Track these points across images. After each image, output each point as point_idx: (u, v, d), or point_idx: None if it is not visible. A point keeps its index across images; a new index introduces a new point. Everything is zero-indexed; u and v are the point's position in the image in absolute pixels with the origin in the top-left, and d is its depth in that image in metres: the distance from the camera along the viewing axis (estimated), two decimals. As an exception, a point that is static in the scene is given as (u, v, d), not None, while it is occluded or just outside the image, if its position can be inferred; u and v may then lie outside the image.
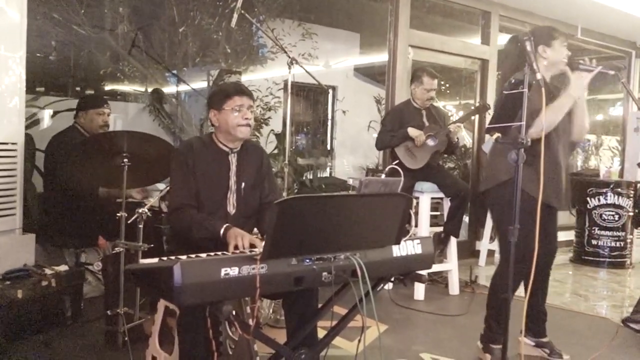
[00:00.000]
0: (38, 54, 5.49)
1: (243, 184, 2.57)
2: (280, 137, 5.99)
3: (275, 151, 5.94)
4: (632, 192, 5.86)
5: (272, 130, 6.28)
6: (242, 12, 3.53)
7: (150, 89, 6.09)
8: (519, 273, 2.76)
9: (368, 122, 7.34)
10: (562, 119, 2.84)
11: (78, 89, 6.07)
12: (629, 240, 5.91)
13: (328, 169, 8.23)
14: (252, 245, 2.22)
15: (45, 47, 5.60)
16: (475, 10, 6.07)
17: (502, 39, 6.15)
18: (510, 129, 2.58)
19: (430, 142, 4.28)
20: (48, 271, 3.27)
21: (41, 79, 5.54)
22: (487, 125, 2.57)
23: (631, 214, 5.81)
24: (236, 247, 2.21)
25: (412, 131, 4.28)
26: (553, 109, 2.75)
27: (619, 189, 5.83)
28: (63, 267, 3.39)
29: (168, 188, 2.96)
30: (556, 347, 3.17)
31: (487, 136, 5.88)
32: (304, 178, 6.12)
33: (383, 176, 2.47)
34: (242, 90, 2.53)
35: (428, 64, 5.67)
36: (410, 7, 5.42)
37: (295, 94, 7.78)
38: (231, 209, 2.55)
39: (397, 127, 4.40)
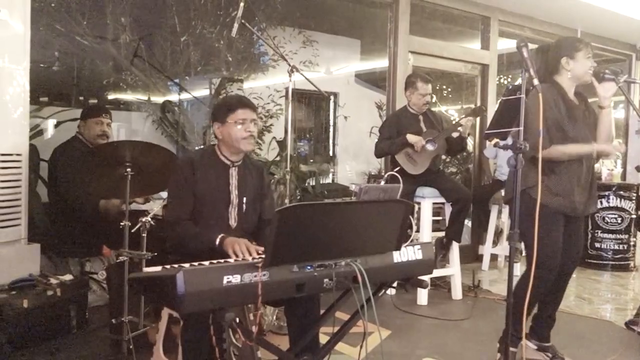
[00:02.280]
0: (41, 65, 5.52)
1: (245, 198, 2.59)
2: (282, 144, 6.01)
3: (278, 158, 5.96)
4: (635, 194, 5.86)
5: (274, 137, 6.31)
6: (243, 21, 3.56)
7: (154, 99, 6.12)
8: (539, 279, 2.77)
9: (370, 127, 7.36)
10: (582, 129, 2.87)
11: (81, 98, 6.10)
12: (632, 243, 5.90)
13: (331, 175, 8.24)
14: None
15: (49, 58, 5.63)
16: (475, 15, 6.09)
17: (501, 44, 6.18)
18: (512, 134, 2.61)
19: (430, 147, 4.29)
20: (53, 280, 3.29)
21: (44, 89, 5.58)
22: (485, 131, 2.59)
23: (634, 216, 5.81)
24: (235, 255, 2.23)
25: (410, 137, 4.30)
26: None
27: (621, 192, 5.83)
28: (68, 277, 3.41)
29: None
30: (559, 351, 3.18)
31: (487, 142, 5.90)
32: (306, 184, 6.14)
33: (382, 183, 2.49)
34: (245, 103, 2.55)
35: (428, 69, 5.71)
36: (410, 14, 5.46)
37: (297, 100, 7.82)
38: (232, 222, 2.57)
39: (395, 134, 4.42)
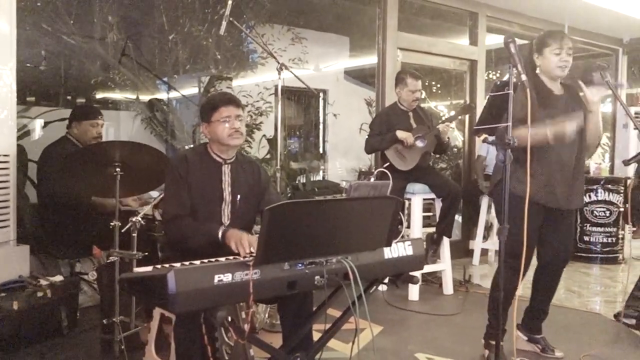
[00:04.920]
0: (28, 64, 5.47)
1: (239, 196, 2.58)
2: (272, 141, 6.00)
3: (268, 156, 5.96)
4: (623, 188, 5.91)
5: (264, 135, 6.30)
6: (231, 19, 3.55)
7: (143, 98, 6.09)
8: (512, 269, 2.80)
9: (360, 124, 7.37)
10: (558, 116, 2.86)
11: (69, 98, 6.06)
12: (620, 236, 5.96)
13: (321, 172, 8.25)
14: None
15: (35, 57, 5.59)
16: (463, 11, 6.12)
17: (489, 40, 6.21)
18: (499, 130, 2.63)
19: (419, 144, 4.31)
20: (43, 282, 3.27)
21: (31, 89, 5.53)
22: (474, 127, 2.60)
23: (622, 209, 5.87)
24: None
25: (400, 134, 4.31)
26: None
27: (609, 185, 5.88)
28: (58, 278, 3.39)
29: (161, 196, 2.98)
30: (550, 343, 3.21)
31: (476, 138, 5.92)
32: (297, 182, 6.14)
33: (372, 179, 2.49)
34: (227, 100, 2.54)
35: (417, 65, 5.72)
36: (398, 10, 5.47)
37: (287, 98, 7.80)
38: (225, 220, 2.56)
39: (385, 130, 4.43)
